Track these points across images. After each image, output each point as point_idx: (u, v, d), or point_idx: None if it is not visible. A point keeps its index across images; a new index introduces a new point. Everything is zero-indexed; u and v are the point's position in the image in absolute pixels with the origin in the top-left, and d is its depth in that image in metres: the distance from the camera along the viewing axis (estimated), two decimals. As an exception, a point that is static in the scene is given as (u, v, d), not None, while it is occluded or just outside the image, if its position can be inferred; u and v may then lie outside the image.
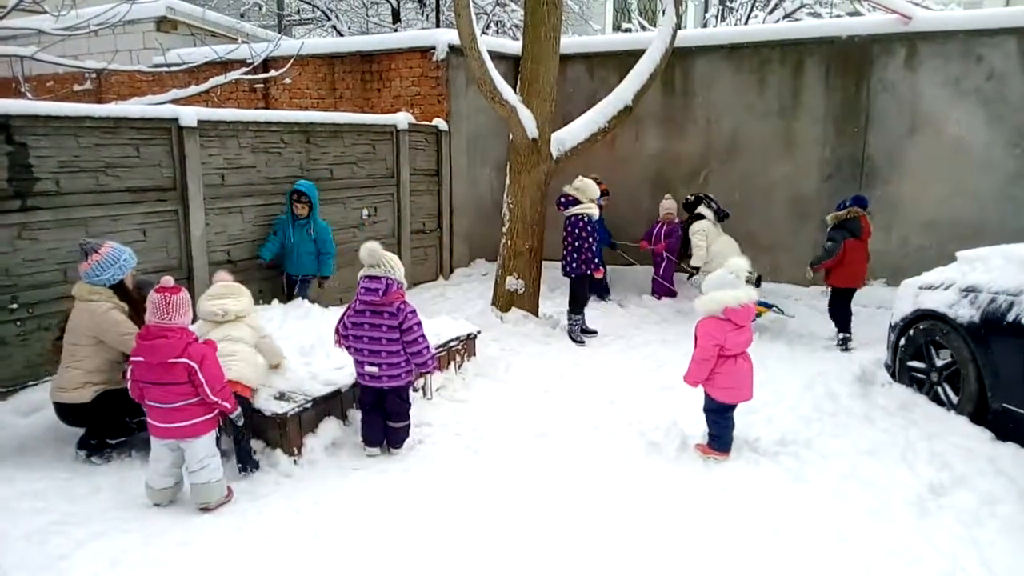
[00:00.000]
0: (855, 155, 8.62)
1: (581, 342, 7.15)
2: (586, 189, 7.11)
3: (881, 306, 7.79)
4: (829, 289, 7.26)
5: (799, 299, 8.64)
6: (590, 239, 7.05)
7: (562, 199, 7.18)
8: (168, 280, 3.92)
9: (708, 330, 4.51)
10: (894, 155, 8.45)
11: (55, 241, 5.34)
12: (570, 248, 7.11)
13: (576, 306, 7.22)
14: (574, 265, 7.11)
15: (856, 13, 14.12)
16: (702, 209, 8.24)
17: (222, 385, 3.91)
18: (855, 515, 3.87)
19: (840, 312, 7.15)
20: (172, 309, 3.80)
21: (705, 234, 8.08)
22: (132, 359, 3.85)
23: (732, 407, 4.64)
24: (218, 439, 4.10)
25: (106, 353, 4.39)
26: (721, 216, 8.30)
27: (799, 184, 8.93)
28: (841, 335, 7.10)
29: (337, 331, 4.63)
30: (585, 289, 7.24)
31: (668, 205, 8.83)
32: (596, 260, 7.15)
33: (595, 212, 7.15)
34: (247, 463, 4.27)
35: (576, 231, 7.05)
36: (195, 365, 3.76)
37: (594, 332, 7.36)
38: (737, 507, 3.95)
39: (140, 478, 4.20)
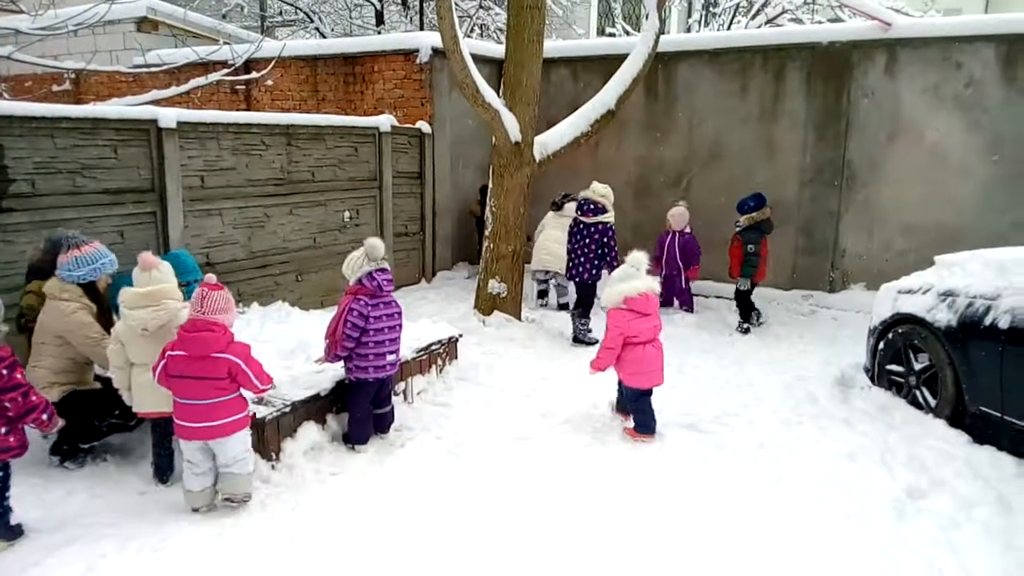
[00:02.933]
0: (835, 160, 8.69)
1: (594, 342, 7.08)
2: (609, 195, 7.24)
3: (860, 310, 7.87)
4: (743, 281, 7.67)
5: (779, 303, 8.70)
6: (616, 247, 7.17)
7: (591, 205, 7.16)
8: (211, 277, 3.93)
9: (613, 320, 4.95)
10: (874, 160, 8.52)
11: (30, 244, 5.25)
12: (592, 255, 7.13)
13: (587, 310, 7.27)
14: (593, 272, 7.17)
15: (837, 19, 14.26)
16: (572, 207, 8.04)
17: (265, 375, 3.94)
18: (834, 519, 3.88)
19: (748, 304, 7.75)
20: (206, 304, 3.79)
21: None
22: (169, 352, 3.80)
23: (648, 392, 4.94)
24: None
25: (72, 353, 4.31)
26: None
27: (780, 188, 8.98)
28: (745, 324, 7.68)
29: (344, 338, 4.52)
30: (594, 294, 7.31)
31: (681, 212, 8.20)
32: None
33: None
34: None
35: (605, 239, 7.13)
36: (239, 361, 3.79)
37: (589, 340, 7.33)
38: (716, 510, 3.96)
39: (115, 482, 4.18)
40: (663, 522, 3.84)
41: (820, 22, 14.53)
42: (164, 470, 4.24)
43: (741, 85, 9.13)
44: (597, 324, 7.61)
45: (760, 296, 8.75)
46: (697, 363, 6.56)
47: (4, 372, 3.56)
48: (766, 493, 4.17)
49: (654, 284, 4.97)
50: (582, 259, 7.19)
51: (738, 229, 7.66)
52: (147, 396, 4.07)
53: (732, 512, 3.95)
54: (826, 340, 7.36)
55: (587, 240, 7.15)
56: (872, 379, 5.65)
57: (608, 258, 7.16)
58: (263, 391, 3.99)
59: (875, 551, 3.59)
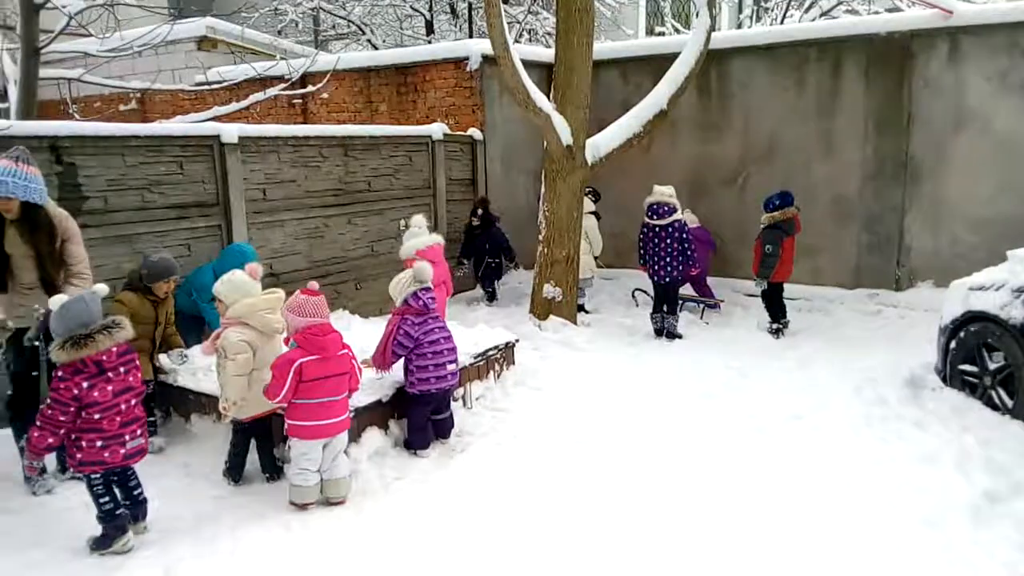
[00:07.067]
0: (898, 153, 8.44)
1: (681, 336, 7.41)
2: (675, 195, 7.37)
3: (929, 308, 7.61)
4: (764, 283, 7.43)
5: (843, 302, 8.48)
6: (692, 241, 7.33)
7: (664, 207, 7.25)
8: (314, 285, 4.14)
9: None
10: (939, 152, 8.25)
11: (103, 257, 5.47)
12: (676, 252, 7.26)
13: (674, 307, 7.48)
14: (681, 268, 7.33)
15: (895, 9, 13.86)
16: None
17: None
18: (909, 523, 3.77)
19: (776, 304, 7.52)
20: (323, 309, 4.08)
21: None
22: (301, 360, 3.92)
23: None
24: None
25: None
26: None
27: (840, 184, 8.77)
28: (775, 324, 7.46)
29: (392, 356, 4.71)
30: (678, 292, 7.60)
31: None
32: (698, 262, 7.57)
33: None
34: (273, 471, 4.41)
35: (683, 236, 7.26)
36: (353, 356, 4.19)
37: (679, 335, 7.47)
38: (788, 515, 3.88)
39: (187, 488, 4.29)
40: (732, 525, 3.78)
41: (877, 12, 14.14)
42: (238, 470, 4.38)
43: (797, 80, 8.95)
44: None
45: (823, 295, 8.61)
46: (758, 364, 6.43)
47: (139, 374, 3.76)
48: (838, 497, 4.07)
49: (439, 238, 6.39)
50: (667, 259, 7.27)
51: (761, 227, 7.46)
52: (258, 399, 4.16)
53: (805, 517, 3.86)
54: (894, 340, 7.13)
55: (668, 241, 7.25)
56: (944, 380, 5.46)
57: (688, 253, 7.26)
58: (358, 388, 4.32)
59: (954, 556, 3.47)
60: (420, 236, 6.38)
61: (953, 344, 5.34)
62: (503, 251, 8.69)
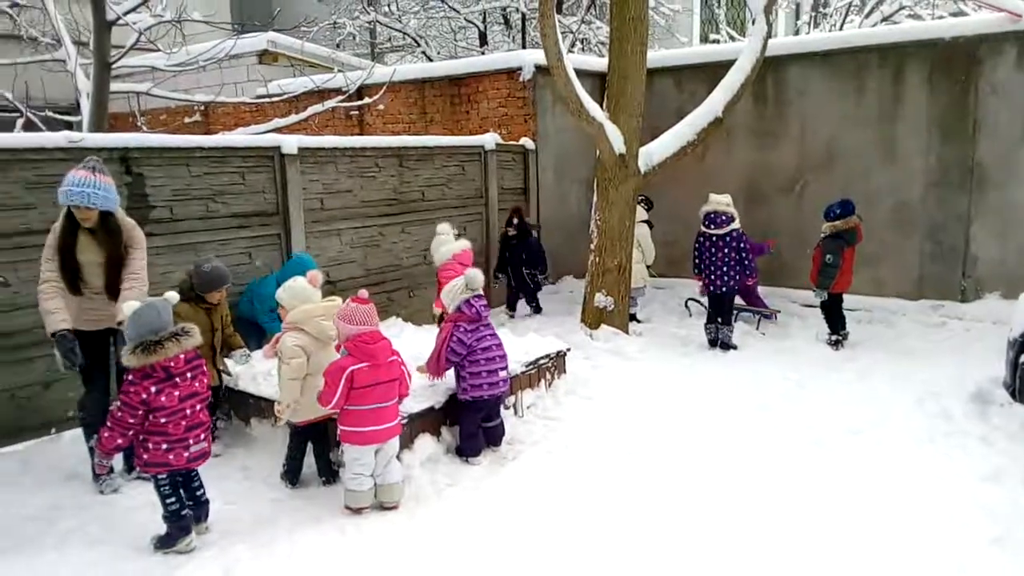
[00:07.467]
0: (963, 160, 8.18)
1: (735, 347, 7.30)
2: (732, 203, 7.31)
3: (997, 320, 7.34)
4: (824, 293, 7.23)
5: (905, 314, 8.24)
6: (750, 250, 7.30)
7: (722, 217, 7.20)
8: (364, 293, 4.20)
9: (451, 273, 5.85)
10: (1008, 159, 7.96)
11: (169, 265, 5.67)
12: (732, 262, 7.20)
13: (729, 317, 7.39)
14: (737, 278, 7.26)
15: (960, 13, 13.46)
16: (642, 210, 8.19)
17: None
18: (976, 543, 3.64)
19: (836, 315, 7.34)
20: (374, 317, 4.15)
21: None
22: (352, 367, 4.00)
23: None
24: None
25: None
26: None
27: (902, 192, 8.53)
28: (834, 336, 7.29)
29: (445, 360, 4.78)
30: (733, 301, 7.52)
31: None
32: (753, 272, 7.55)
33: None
34: (329, 475, 4.51)
35: (741, 245, 7.20)
36: (403, 363, 4.26)
37: (734, 345, 7.36)
38: (847, 532, 3.78)
39: (246, 491, 4.40)
40: (789, 541, 3.71)
41: (941, 17, 13.76)
42: (295, 474, 4.48)
43: (856, 87, 8.75)
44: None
45: (884, 307, 8.38)
46: (816, 376, 6.30)
47: (205, 381, 3.85)
48: (900, 514, 3.95)
49: (467, 243, 6.51)
50: (724, 268, 7.21)
51: (821, 236, 7.25)
52: (313, 404, 4.22)
53: (865, 534, 3.77)
54: (958, 353, 6.87)
55: (726, 250, 7.19)
56: (1013, 395, 5.25)
57: (747, 262, 7.19)
58: (407, 394, 4.35)
59: (1023, 580, 3.34)
60: (449, 243, 6.45)
61: (1023, 358, 5.14)
62: (538, 264, 8.43)
